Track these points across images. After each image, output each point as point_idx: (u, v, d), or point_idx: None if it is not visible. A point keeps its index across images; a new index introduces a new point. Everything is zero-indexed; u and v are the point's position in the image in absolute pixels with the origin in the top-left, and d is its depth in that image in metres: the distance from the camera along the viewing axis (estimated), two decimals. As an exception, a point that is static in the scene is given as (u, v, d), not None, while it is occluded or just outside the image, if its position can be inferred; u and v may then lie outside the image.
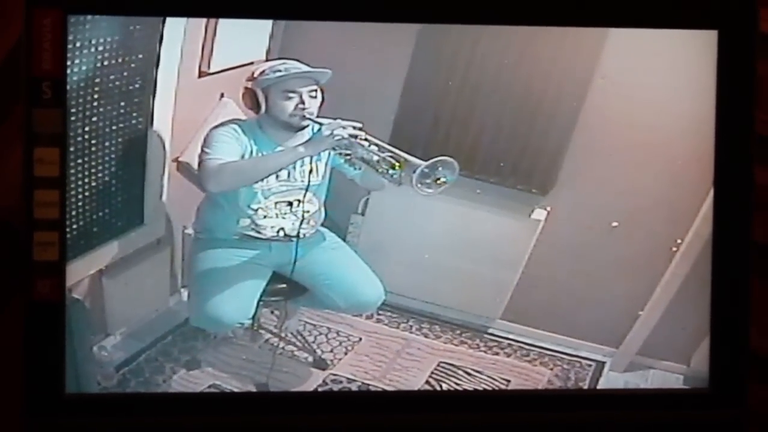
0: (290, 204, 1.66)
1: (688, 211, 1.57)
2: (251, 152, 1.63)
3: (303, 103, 1.61)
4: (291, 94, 1.61)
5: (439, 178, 1.56)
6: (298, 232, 1.68)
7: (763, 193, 1.58)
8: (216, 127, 1.62)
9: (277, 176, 1.63)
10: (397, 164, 1.58)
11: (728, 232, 1.44)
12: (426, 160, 1.55)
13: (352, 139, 1.58)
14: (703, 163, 1.44)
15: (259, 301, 1.70)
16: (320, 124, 1.60)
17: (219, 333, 1.70)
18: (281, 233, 1.68)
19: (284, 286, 1.73)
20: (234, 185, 1.63)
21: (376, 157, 1.60)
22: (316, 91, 1.60)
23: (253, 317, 1.71)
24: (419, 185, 1.55)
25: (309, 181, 1.65)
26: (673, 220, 1.61)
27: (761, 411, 1.54)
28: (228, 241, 1.68)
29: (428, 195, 1.55)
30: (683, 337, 1.59)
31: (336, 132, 1.58)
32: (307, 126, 1.63)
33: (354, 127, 1.58)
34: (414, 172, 1.54)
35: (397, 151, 1.58)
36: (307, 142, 1.62)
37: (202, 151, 1.60)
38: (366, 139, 1.58)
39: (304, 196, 1.66)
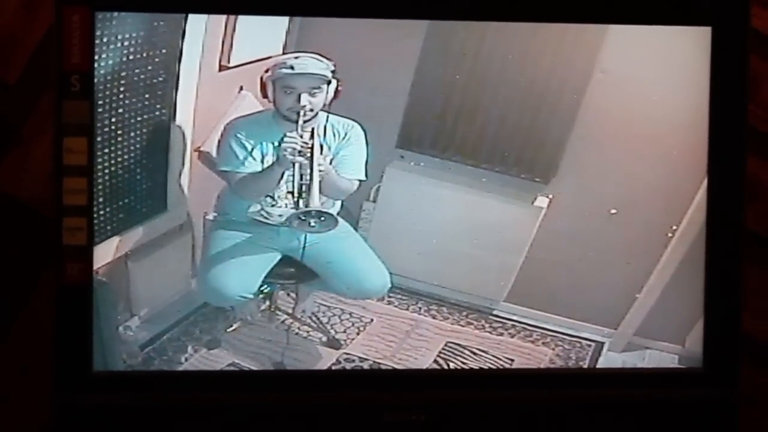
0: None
1: (682, 199, 1.58)
2: (263, 144, 1.67)
3: (299, 100, 1.64)
4: (289, 90, 1.64)
5: (310, 223, 1.63)
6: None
7: (755, 183, 1.63)
8: (230, 124, 1.67)
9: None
10: (296, 195, 1.65)
11: (721, 219, 1.47)
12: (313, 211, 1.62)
13: (298, 158, 1.63)
14: (697, 154, 1.47)
15: (265, 280, 1.73)
16: (295, 122, 1.65)
17: (222, 305, 1.72)
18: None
19: (293, 270, 1.76)
20: (250, 198, 1.69)
21: (303, 181, 1.65)
22: (319, 88, 1.63)
23: (271, 300, 1.76)
24: (292, 221, 1.63)
25: None
26: (669, 207, 1.63)
27: (751, 392, 1.59)
28: (240, 224, 1.71)
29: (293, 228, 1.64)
30: (678, 319, 1.60)
31: (289, 149, 1.64)
32: (306, 120, 1.65)
33: (302, 148, 1.63)
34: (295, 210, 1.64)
35: (313, 187, 1.63)
36: (276, 161, 1.66)
37: (218, 155, 1.67)
38: (303, 164, 1.64)
39: None
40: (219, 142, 1.67)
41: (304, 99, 1.64)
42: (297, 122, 1.65)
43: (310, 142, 1.64)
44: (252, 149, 1.67)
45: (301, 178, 1.65)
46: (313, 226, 1.64)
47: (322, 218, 1.63)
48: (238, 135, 1.67)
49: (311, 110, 1.65)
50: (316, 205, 1.63)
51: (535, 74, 1.65)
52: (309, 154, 1.64)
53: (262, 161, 1.67)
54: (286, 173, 1.66)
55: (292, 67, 1.61)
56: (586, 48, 1.63)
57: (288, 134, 1.64)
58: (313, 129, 1.66)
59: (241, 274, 1.71)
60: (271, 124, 1.67)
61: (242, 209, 1.71)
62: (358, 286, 1.75)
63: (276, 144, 1.67)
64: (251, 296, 1.72)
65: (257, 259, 1.74)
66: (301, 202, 1.66)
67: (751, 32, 1.47)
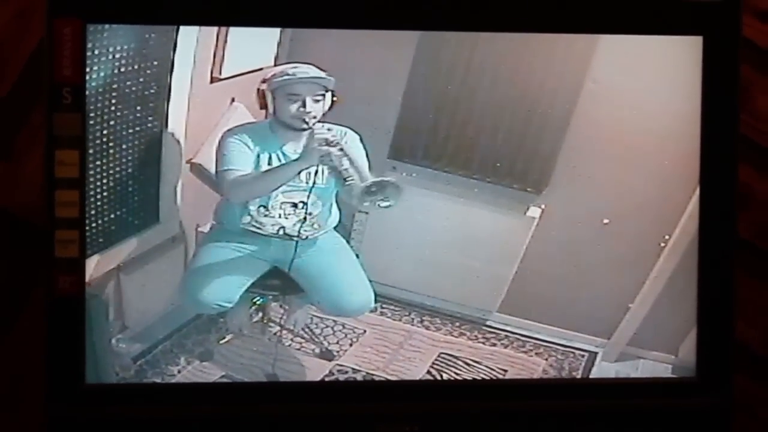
0: (295, 205, 1.69)
1: (675, 208, 1.58)
2: (260, 154, 1.66)
3: (304, 106, 1.64)
4: (294, 97, 1.64)
5: (384, 198, 1.60)
6: (298, 233, 1.71)
7: (747, 192, 1.64)
8: (228, 131, 1.66)
9: None
10: (354, 177, 1.61)
11: (713, 228, 1.47)
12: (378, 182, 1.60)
13: (330, 148, 1.61)
14: (690, 163, 1.47)
15: (251, 291, 1.73)
16: (311, 128, 1.64)
17: (200, 312, 1.72)
18: (281, 232, 1.70)
19: (278, 282, 1.75)
20: (249, 197, 1.67)
21: (343, 167, 1.62)
22: (322, 95, 1.63)
23: (264, 312, 1.76)
24: (364, 196, 1.60)
25: (314, 183, 1.68)
26: (661, 217, 1.63)
27: (745, 401, 1.60)
28: (232, 234, 1.71)
29: (365, 207, 1.63)
30: (671, 329, 1.60)
31: (319, 140, 1.62)
32: (308, 129, 1.65)
33: (333, 137, 1.61)
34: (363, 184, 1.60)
35: (364, 168, 1.61)
36: (300, 156, 1.64)
37: (218, 160, 1.65)
38: (341, 150, 1.61)
39: (308, 197, 1.68)
40: (217, 149, 1.65)
41: (309, 105, 1.64)
42: (303, 130, 1.65)
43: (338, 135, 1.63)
44: (250, 153, 1.66)
45: (334, 168, 1.62)
46: (387, 198, 1.61)
47: (396, 186, 1.61)
48: (239, 138, 1.66)
49: (314, 117, 1.65)
50: (374, 177, 1.60)
51: (526, 84, 1.66)
52: (339, 145, 1.62)
53: (259, 168, 1.67)
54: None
55: (294, 74, 1.62)
56: (577, 58, 1.63)
57: (316, 129, 1.62)
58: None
59: (222, 283, 1.70)
60: (267, 134, 1.67)
61: (236, 219, 1.70)
62: (336, 304, 1.76)
63: (277, 152, 1.68)
64: (229, 305, 1.71)
65: (242, 269, 1.73)
66: (303, 211, 1.68)
67: (743, 42, 1.47)
